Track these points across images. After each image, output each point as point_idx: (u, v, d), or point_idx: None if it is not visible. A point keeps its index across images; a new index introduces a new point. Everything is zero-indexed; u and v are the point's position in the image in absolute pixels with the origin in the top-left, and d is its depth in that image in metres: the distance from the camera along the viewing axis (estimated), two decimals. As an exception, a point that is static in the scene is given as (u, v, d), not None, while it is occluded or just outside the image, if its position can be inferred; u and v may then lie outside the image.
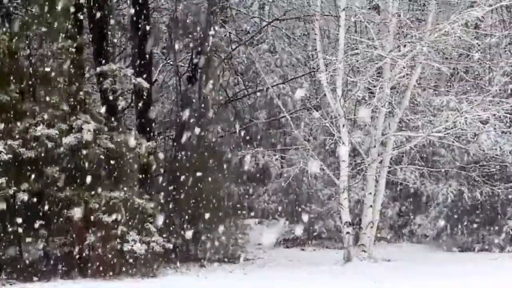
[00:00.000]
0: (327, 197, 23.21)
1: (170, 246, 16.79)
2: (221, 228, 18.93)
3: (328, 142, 20.83)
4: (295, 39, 25.16)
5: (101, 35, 18.36)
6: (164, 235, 16.95)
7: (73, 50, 16.41)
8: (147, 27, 19.76)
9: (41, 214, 15.50)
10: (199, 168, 18.89)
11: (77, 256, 15.68)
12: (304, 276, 16.10)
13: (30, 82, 16.15)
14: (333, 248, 22.10)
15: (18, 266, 15.34)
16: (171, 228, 18.12)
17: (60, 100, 16.10)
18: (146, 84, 17.79)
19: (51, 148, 15.57)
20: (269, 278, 15.86)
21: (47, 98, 16.13)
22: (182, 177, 18.72)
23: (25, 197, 15.11)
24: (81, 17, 17.75)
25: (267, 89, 23.32)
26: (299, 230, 23.15)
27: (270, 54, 24.79)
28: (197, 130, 19.52)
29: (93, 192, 15.76)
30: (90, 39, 18.48)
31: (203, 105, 20.30)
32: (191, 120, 19.91)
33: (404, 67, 17.82)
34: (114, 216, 15.71)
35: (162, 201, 18.39)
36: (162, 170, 19.35)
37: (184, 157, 19.26)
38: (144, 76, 18.62)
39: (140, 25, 19.58)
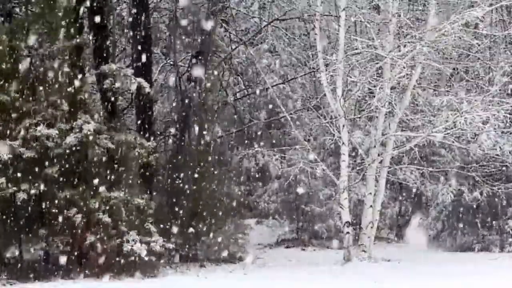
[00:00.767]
0: (327, 197, 23.22)
1: (170, 246, 16.78)
2: (221, 228, 18.93)
3: (328, 142, 20.83)
4: (295, 39, 25.17)
5: (101, 35, 18.35)
6: (164, 235, 16.95)
7: (73, 50, 16.40)
8: (147, 27, 19.75)
9: (41, 214, 15.50)
10: (199, 168, 18.89)
11: (77, 256, 15.68)
12: (304, 276, 16.09)
13: (30, 82, 16.14)
14: (333, 248, 22.10)
15: (18, 266, 15.33)
16: (171, 228, 18.10)
17: (60, 100, 16.09)
18: (146, 84, 17.79)
19: (51, 148, 15.57)
20: (269, 278, 15.85)
21: (47, 98, 16.12)
22: (182, 177, 18.71)
23: (25, 197, 15.11)
24: (81, 17, 17.74)
25: (267, 89, 23.33)
26: (299, 230, 23.19)
27: (270, 54, 24.79)
28: (197, 130, 19.52)
29: (93, 192, 15.76)
30: (90, 39, 18.47)
31: (203, 105, 20.30)
32: (191, 120, 19.90)
33: (404, 67, 17.82)
34: (114, 216, 15.70)
35: (162, 201, 18.40)
36: (162, 170, 19.34)
37: (184, 157, 19.26)
38: (144, 76, 18.61)
39: (140, 25, 19.58)
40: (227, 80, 25.39)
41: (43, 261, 15.56)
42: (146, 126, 19.40)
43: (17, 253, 15.52)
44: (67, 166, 15.65)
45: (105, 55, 18.29)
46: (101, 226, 15.60)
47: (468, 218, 21.48)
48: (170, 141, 23.10)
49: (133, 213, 16.15)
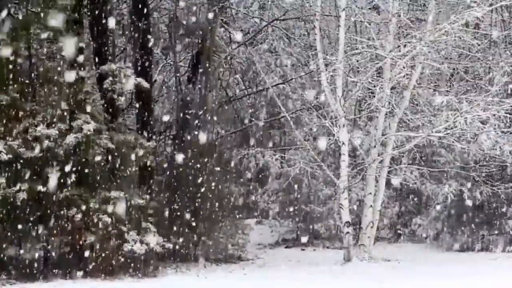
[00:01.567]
0: (327, 197, 23.21)
1: (170, 246, 16.78)
2: (221, 228, 18.93)
3: (328, 142, 20.82)
4: (295, 39, 25.16)
5: (101, 35, 18.35)
6: (164, 235, 16.95)
7: (73, 50, 16.40)
8: (147, 27, 19.75)
9: (41, 214, 15.49)
10: (199, 168, 18.89)
11: (77, 256, 15.67)
12: (304, 276, 16.10)
13: (30, 82, 16.13)
14: (333, 248, 22.10)
15: (18, 266, 15.32)
16: (171, 228, 18.10)
17: (60, 100, 16.09)
18: (146, 84, 17.78)
19: (51, 148, 15.57)
20: (269, 278, 15.86)
21: (47, 98, 16.12)
22: (182, 177, 18.71)
23: (25, 197, 15.10)
24: (81, 17, 17.73)
25: (267, 89, 23.32)
26: (299, 230, 23.18)
27: (270, 54, 24.77)
28: (197, 130, 19.51)
29: (93, 192, 15.76)
30: (90, 39, 18.47)
31: (203, 105, 20.30)
32: (191, 120, 19.90)
33: (404, 67, 17.84)
34: (114, 216, 15.71)
35: (162, 201, 18.40)
36: (162, 170, 19.34)
37: (184, 157, 19.26)
38: (144, 76, 18.61)
39: (140, 25, 19.57)
40: (227, 80, 25.38)
41: (43, 261, 15.55)
42: (146, 126, 19.39)
43: (17, 253, 15.51)
44: (67, 166, 15.64)
45: (105, 55, 18.28)
46: (101, 226, 15.60)
47: (468, 218, 21.48)
48: (170, 141, 23.08)
49: (133, 213, 16.14)
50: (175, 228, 18.21)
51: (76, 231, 15.58)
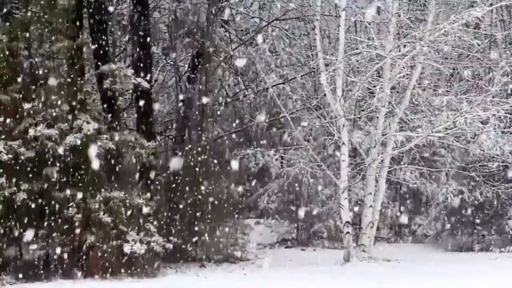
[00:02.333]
0: (327, 197, 23.21)
1: (170, 246, 16.78)
2: (221, 228, 18.93)
3: (328, 142, 20.83)
4: (295, 39, 25.16)
5: (101, 35, 18.35)
6: (164, 235, 16.95)
7: (73, 50, 16.40)
8: (147, 27, 19.75)
9: (40, 214, 15.49)
10: (199, 168, 18.88)
11: (77, 256, 15.67)
12: (304, 276, 16.09)
13: (30, 82, 16.13)
14: (333, 248, 22.10)
15: (18, 266, 15.33)
16: (171, 228, 18.10)
17: (60, 100, 16.09)
18: (146, 84, 17.78)
19: (51, 148, 15.57)
20: (269, 278, 15.86)
21: (47, 98, 16.12)
22: (182, 177, 18.71)
23: (25, 197, 15.11)
24: (81, 17, 17.74)
25: (267, 89, 23.32)
26: (299, 230, 23.17)
27: (270, 54, 24.77)
28: (197, 130, 19.51)
29: (93, 192, 15.76)
30: (90, 39, 18.47)
31: (203, 105, 20.30)
32: (191, 120, 19.90)
33: (404, 67, 17.84)
34: (114, 216, 15.70)
35: (162, 201, 18.39)
36: (162, 170, 19.34)
37: (184, 157, 19.26)
38: (144, 76, 18.62)
39: (140, 25, 19.57)
40: (227, 80, 25.38)
41: (43, 261, 15.55)
42: (146, 126, 19.39)
43: (17, 253, 15.51)
44: (67, 166, 15.64)
45: (105, 55, 18.28)
46: (101, 226, 15.60)
47: (468, 218, 21.48)
48: (170, 141, 23.09)
49: (133, 213, 16.14)
50: (175, 228, 18.20)
51: (76, 231, 15.57)
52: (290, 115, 20.65)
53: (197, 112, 20.15)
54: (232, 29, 24.24)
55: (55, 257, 15.57)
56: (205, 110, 20.29)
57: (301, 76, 23.86)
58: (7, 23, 16.73)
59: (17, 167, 15.41)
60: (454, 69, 20.93)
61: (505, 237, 21.01)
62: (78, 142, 15.61)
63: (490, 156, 19.28)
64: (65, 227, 15.57)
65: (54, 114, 15.96)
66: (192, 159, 19.04)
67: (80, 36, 16.95)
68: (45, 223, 15.48)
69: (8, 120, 15.73)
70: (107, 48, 18.44)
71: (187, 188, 18.66)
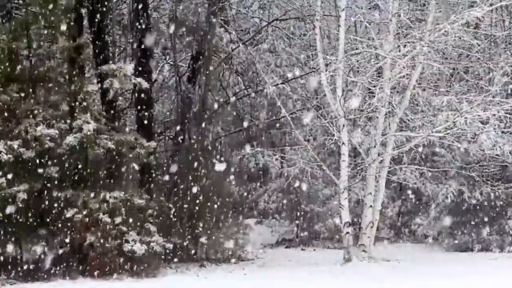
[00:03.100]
0: (327, 197, 23.21)
1: (170, 246, 16.78)
2: (221, 228, 18.92)
3: (328, 142, 20.82)
4: (295, 39, 25.15)
5: (101, 35, 18.35)
6: (164, 235, 16.94)
7: (73, 50, 16.40)
8: (147, 27, 19.76)
9: (41, 214, 15.49)
10: (199, 168, 18.88)
11: (77, 256, 15.68)
12: (304, 276, 16.09)
13: (30, 82, 16.14)
14: (333, 248, 22.10)
15: (18, 266, 15.33)
16: (171, 228, 18.10)
17: (60, 100, 16.09)
18: (146, 84, 17.78)
19: (51, 148, 15.57)
20: (269, 278, 15.85)
21: (47, 98, 16.12)
22: (182, 177, 18.71)
23: (25, 197, 15.10)
24: (81, 17, 17.74)
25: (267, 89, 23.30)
26: (299, 230, 23.16)
27: (270, 54, 24.77)
28: (197, 130, 19.50)
29: (93, 192, 15.76)
30: (90, 39, 18.47)
31: (203, 105, 20.29)
32: (191, 120, 19.90)
33: (404, 67, 17.83)
34: (114, 216, 15.70)
35: (162, 201, 18.39)
36: (162, 170, 19.34)
37: (184, 157, 19.25)
38: (144, 76, 18.62)
39: (140, 25, 19.57)
40: (227, 80, 25.38)
41: (43, 261, 15.54)
42: (146, 126, 19.39)
43: (17, 253, 15.51)
44: (67, 166, 15.65)
45: (105, 55, 18.28)
46: (101, 226, 15.60)
47: (468, 218, 21.48)
48: (170, 141, 23.08)
49: (133, 213, 16.14)
50: (175, 228, 18.20)
51: (76, 231, 15.57)
52: (290, 115, 20.64)
53: (197, 112, 20.14)
54: (232, 29, 24.23)
55: (55, 257, 15.57)
56: (205, 110, 20.29)
57: (301, 76, 23.86)
58: (7, 23, 16.73)
59: (17, 167, 15.41)
60: (454, 69, 20.92)
61: (505, 237, 21.01)
62: (78, 142, 15.61)
63: (490, 156, 19.28)
64: (65, 227, 15.57)
65: (54, 114, 15.96)
66: (192, 159, 19.03)
67: (80, 36, 16.95)
68: (45, 223, 15.48)
69: (8, 120, 15.72)
70: (107, 48, 18.43)
71: (186, 188, 18.66)
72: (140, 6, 19.73)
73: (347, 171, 18.31)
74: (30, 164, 15.45)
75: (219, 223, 18.98)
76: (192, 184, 18.63)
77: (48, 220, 15.55)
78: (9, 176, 15.23)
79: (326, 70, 18.18)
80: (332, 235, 22.91)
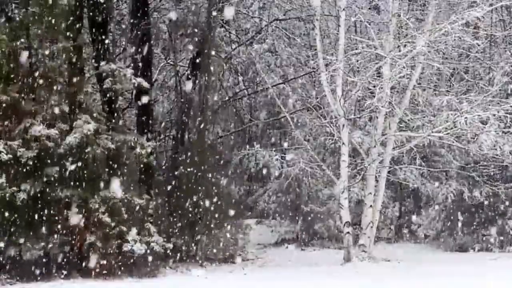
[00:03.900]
0: (327, 197, 23.21)
1: (170, 246, 16.78)
2: (221, 228, 18.92)
3: (328, 142, 20.82)
4: (295, 39, 25.16)
5: (101, 35, 18.35)
6: (164, 235, 16.95)
7: (73, 50, 16.40)
8: (147, 27, 19.76)
9: (41, 214, 15.48)
10: (199, 168, 18.89)
11: (77, 256, 15.68)
12: (304, 276, 16.09)
13: (30, 82, 16.13)
14: (333, 248, 22.10)
15: (18, 266, 15.32)
16: (171, 228, 18.10)
17: (60, 100, 16.09)
18: (146, 84, 17.78)
19: (51, 148, 15.57)
20: (269, 278, 15.86)
21: (47, 98, 16.12)
22: (182, 177, 18.71)
23: (25, 197, 15.10)
24: (81, 17, 17.73)
25: (267, 89, 23.32)
26: (299, 230, 23.15)
27: (270, 54, 24.78)
28: (197, 130, 19.50)
29: (93, 192, 15.76)
30: (90, 39, 18.47)
31: (203, 105, 20.29)
32: (191, 120, 19.89)
33: (404, 67, 17.83)
34: (114, 216, 15.70)
35: (162, 201, 18.40)
36: (162, 170, 19.35)
37: (184, 157, 19.26)
38: (144, 76, 18.62)
39: (140, 25, 19.58)
40: (227, 80, 25.38)
41: (43, 261, 15.54)
42: (146, 126, 19.39)
43: (17, 253, 15.50)
44: (67, 166, 15.64)
45: (105, 55, 18.27)
46: (101, 226, 15.60)
47: (468, 218, 21.48)
48: (170, 141, 23.08)
49: (133, 213, 16.14)
50: (175, 228, 18.20)
51: (76, 231, 15.57)
52: (290, 115, 20.65)
53: (197, 112, 20.14)
54: (232, 29, 24.23)
55: (55, 257, 15.57)
56: (205, 110, 20.28)
57: (301, 76, 23.87)
58: (7, 23, 16.72)
59: (17, 167, 15.41)
60: (454, 69, 20.93)
61: (505, 237, 21.01)
62: (78, 142, 15.60)
63: (490, 156, 19.28)
64: (65, 227, 15.56)
65: (54, 114, 15.96)
66: (192, 159, 19.04)
67: (80, 36, 16.94)
68: (45, 223, 15.47)
69: (8, 120, 15.72)
70: (107, 48, 18.43)
71: (187, 188, 18.66)
72: (140, 6, 19.72)
73: (347, 171, 18.31)
74: (30, 164, 15.45)
75: (219, 223, 18.98)
76: (192, 184, 18.63)
77: (48, 220, 15.53)
78: (9, 176, 15.22)
79: (326, 70, 18.19)
80: (332, 235, 22.91)
